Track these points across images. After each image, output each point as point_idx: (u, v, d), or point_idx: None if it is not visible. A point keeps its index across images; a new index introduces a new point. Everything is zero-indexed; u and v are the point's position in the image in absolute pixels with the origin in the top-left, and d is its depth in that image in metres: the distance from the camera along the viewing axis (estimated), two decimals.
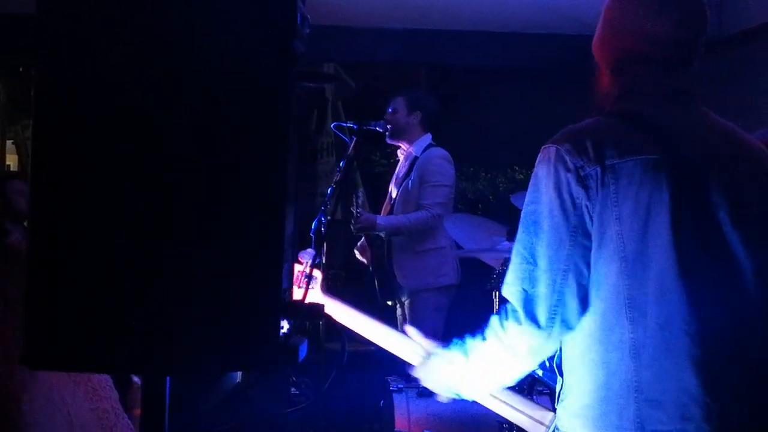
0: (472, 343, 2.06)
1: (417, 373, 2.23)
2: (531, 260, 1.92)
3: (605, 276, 1.89)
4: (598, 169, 1.88)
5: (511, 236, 4.00)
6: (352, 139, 5.57)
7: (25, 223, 5.91)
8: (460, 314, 5.61)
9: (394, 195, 5.61)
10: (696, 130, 2.00)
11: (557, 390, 2.06)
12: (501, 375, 2.09)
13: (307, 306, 1.69)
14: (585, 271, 1.91)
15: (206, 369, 1.64)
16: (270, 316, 1.59)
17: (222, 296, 1.58)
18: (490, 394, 2.22)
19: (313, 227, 5.30)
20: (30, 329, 1.59)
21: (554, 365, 2.07)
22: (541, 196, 1.93)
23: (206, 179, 1.58)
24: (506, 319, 1.96)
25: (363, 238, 5.70)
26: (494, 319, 2.00)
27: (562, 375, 2.03)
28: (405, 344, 2.32)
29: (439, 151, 5.52)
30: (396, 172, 5.75)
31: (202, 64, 1.59)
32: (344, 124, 5.77)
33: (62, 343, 1.59)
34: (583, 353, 1.94)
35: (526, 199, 1.97)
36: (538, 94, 8.45)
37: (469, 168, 8.70)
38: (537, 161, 1.98)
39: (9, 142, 14.45)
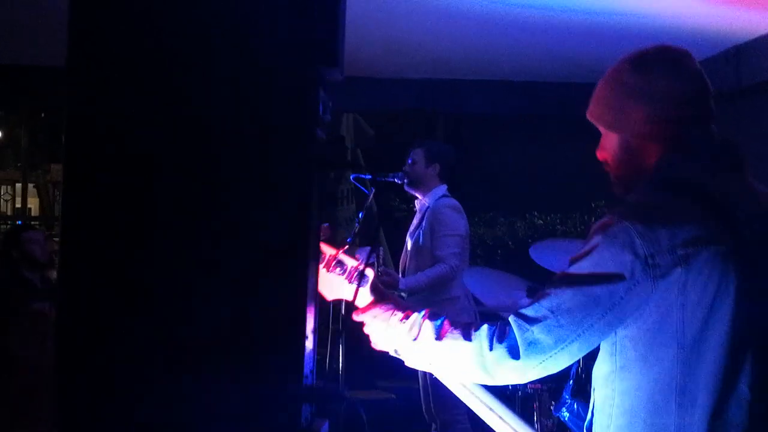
0: (449, 329, 2.00)
1: (365, 317, 2.16)
2: (555, 311, 1.88)
3: (660, 359, 1.87)
4: (669, 258, 1.84)
5: (531, 293, 3.98)
6: (371, 190, 5.62)
7: (45, 272, 5.94)
8: None
9: (408, 246, 5.61)
10: (751, 201, 1.96)
11: None
12: (460, 375, 2.06)
13: (328, 392, 1.70)
14: (593, 344, 1.90)
15: None
16: (292, 402, 1.60)
17: (245, 381, 1.60)
18: (463, 385, 2.18)
19: None
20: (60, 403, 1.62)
21: (584, 427, 2.06)
22: (598, 268, 1.88)
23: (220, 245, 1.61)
24: (500, 343, 1.91)
25: None
26: (485, 333, 1.94)
27: None
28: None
29: (449, 201, 5.51)
30: (412, 222, 5.77)
31: (232, 135, 1.64)
32: (363, 176, 5.81)
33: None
34: (622, 427, 1.92)
35: (582, 257, 1.91)
36: (556, 141, 8.50)
37: (488, 214, 8.73)
38: (603, 228, 1.90)
39: (31, 186, 14.60)
